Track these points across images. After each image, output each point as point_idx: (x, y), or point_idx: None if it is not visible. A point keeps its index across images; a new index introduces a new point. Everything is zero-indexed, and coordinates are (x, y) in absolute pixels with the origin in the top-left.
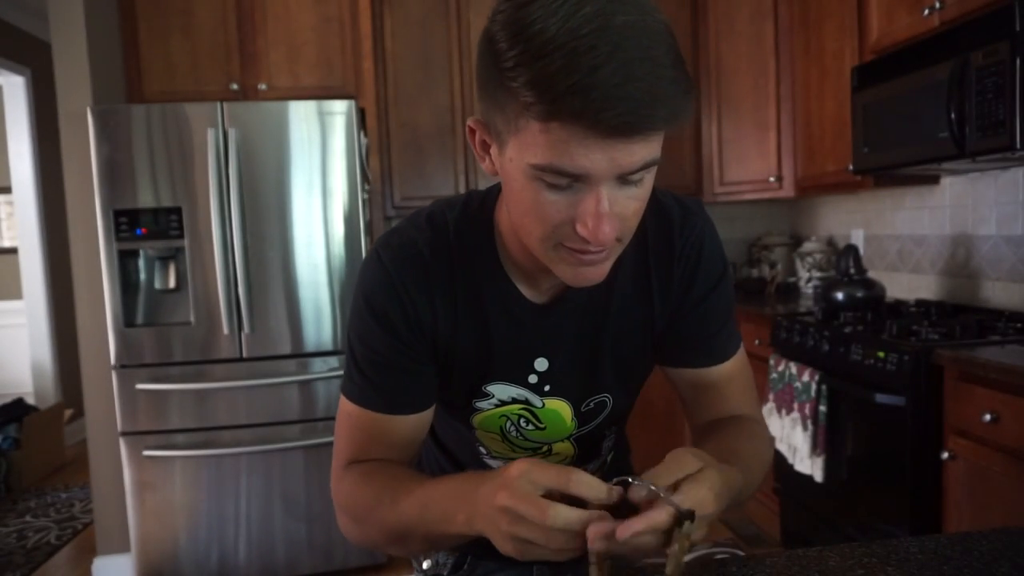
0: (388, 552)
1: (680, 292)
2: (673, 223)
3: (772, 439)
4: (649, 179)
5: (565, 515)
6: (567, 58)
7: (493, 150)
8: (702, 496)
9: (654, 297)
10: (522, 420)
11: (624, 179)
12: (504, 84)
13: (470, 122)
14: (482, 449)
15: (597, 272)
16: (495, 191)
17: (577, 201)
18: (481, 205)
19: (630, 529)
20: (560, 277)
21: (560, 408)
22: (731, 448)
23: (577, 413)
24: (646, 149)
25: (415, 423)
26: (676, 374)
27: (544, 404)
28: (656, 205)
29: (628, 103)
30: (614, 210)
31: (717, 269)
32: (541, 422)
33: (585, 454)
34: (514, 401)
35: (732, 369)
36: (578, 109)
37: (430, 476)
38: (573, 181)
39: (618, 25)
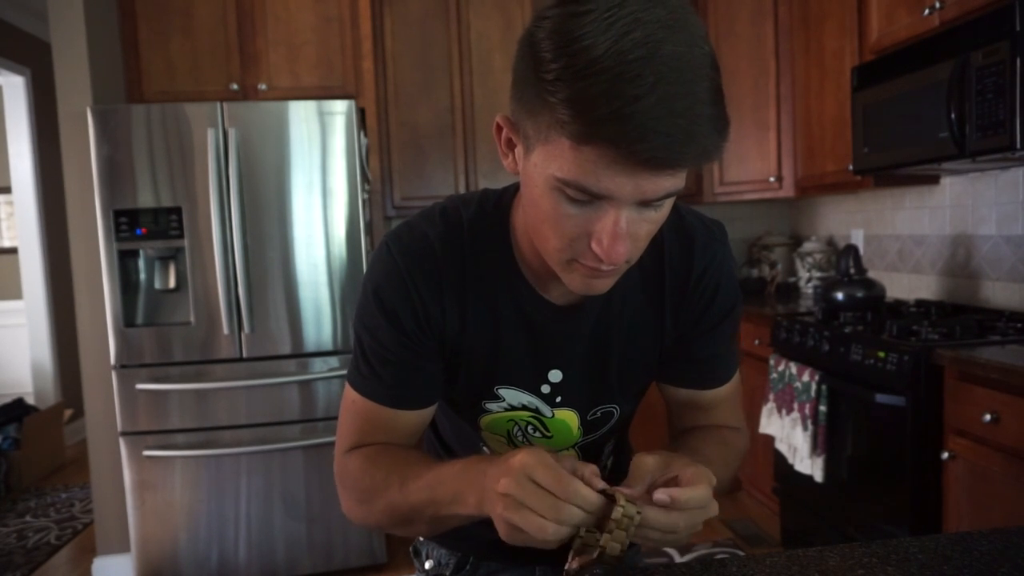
0: (390, 532)
1: (694, 317)
2: (694, 245)
3: (745, 449)
4: (668, 204)
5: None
6: (610, 83)
7: (518, 151)
8: (701, 493)
9: (666, 312)
10: (530, 427)
11: (645, 204)
12: (541, 95)
13: (498, 119)
14: (486, 450)
15: (603, 284)
16: (511, 191)
17: (596, 218)
18: (497, 205)
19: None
20: (568, 286)
21: (568, 418)
22: (695, 448)
23: (583, 422)
24: (672, 181)
25: (418, 416)
26: (671, 390)
27: (553, 415)
28: (678, 221)
29: (663, 139)
30: (629, 230)
31: (731, 300)
32: (548, 431)
33: (587, 460)
34: (524, 408)
35: (726, 391)
36: (613, 137)
37: (436, 459)
38: (595, 199)
39: (665, 55)
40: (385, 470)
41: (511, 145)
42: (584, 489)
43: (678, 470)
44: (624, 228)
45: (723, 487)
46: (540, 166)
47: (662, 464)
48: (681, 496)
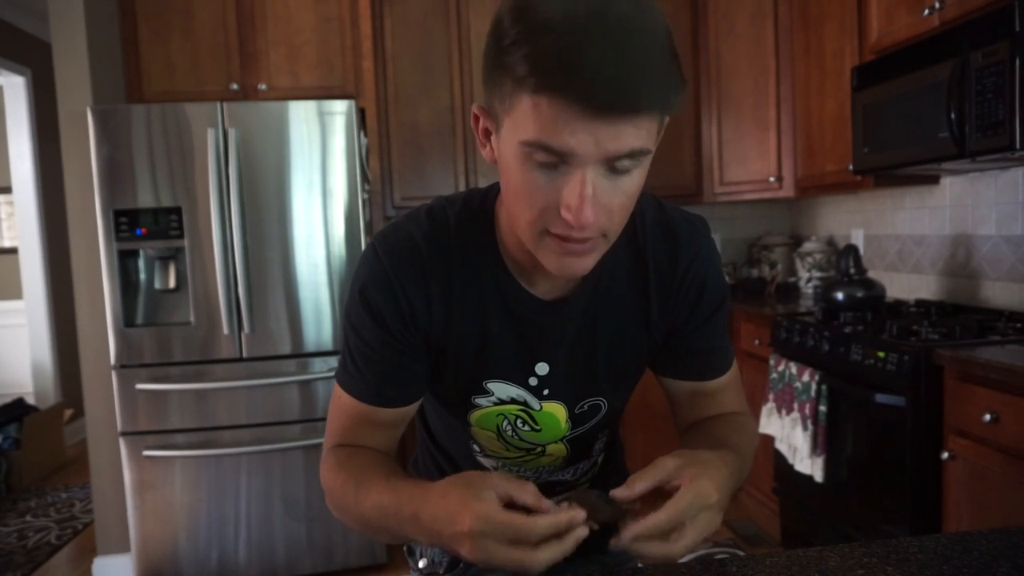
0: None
1: (685, 312)
2: (679, 240)
3: (756, 432)
4: (638, 174)
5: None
6: (562, 37)
7: (493, 137)
8: (703, 487)
9: (652, 308)
10: (519, 421)
11: (611, 167)
12: (503, 62)
13: (475, 108)
14: (476, 447)
15: (581, 264)
16: (496, 188)
17: (563, 184)
18: (482, 201)
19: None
20: (546, 266)
21: (556, 411)
22: (722, 436)
23: (571, 415)
24: (633, 135)
25: (400, 412)
26: (673, 383)
27: (542, 407)
28: (661, 217)
29: (613, 83)
30: (600, 199)
31: (720, 293)
32: (537, 424)
33: (577, 455)
34: (513, 401)
35: (727, 379)
36: (564, 82)
37: (394, 474)
38: (560, 161)
39: (615, 14)
40: (344, 479)
41: (487, 134)
42: (541, 522)
43: (684, 477)
44: (590, 191)
45: (750, 469)
46: (508, 139)
47: (680, 467)
48: (621, 494)
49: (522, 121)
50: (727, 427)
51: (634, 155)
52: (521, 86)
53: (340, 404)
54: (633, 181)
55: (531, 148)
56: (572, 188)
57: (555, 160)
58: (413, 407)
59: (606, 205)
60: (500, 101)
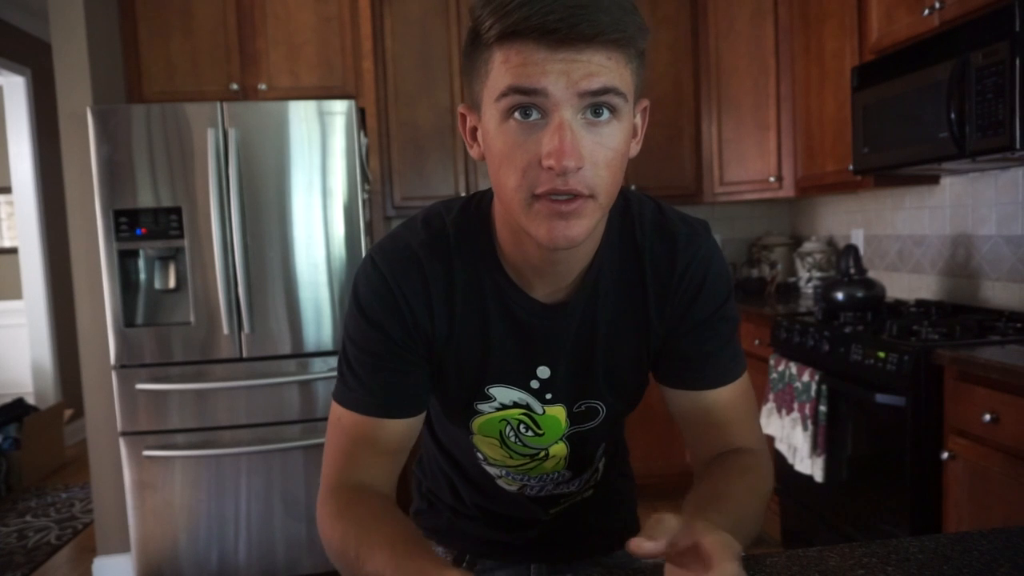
0: None
1: (681, 311)
2: (677, 240)
3: (771, 472)
4: (618, 127)
5: None
6: None
7: (479, 131)
8: (734, 571)
9: (650, 309)
10: (522, 426)
11: (587, 113)
12: (477, 39)
13: (460, 108)
14: (479, 455)
15: (571, 229)
16: (492, 192)
17: (542, 136)
18: (479, 205)
19: None
20: (537, 238)
21: (558, 414)
22: (724, 492)
23: (570, 414)
24: (604, 72)
25: (405, 428)
26: (675, 401)
27: (544, 411)
28: (660, 218)
29: (571, 8)
30: (581, 148)
31: (721, 293)
32: (540, 428)
33: (579, 459)
34: (515, 405)
35: (731, 396)
36: (524, 19)
37: (399, 540)
38: (535, 106)
39: None
40: (342, 533)
41: (474, 132)
42: None
43: (699, 535)
44: (569, 135)
45: (757, 518)
46: (488, 111)
47: (682, 525)
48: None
49: (497, 79)
50: (730, 476)
51: (607, 92)
52: (490, 44)
53: (340, 427)
54: (615, 135)
55: (507, 96)
56: (551, 135)
57: (529, 102)
58: (415, 424)
59: (589, 156)
60: (479, 80)
